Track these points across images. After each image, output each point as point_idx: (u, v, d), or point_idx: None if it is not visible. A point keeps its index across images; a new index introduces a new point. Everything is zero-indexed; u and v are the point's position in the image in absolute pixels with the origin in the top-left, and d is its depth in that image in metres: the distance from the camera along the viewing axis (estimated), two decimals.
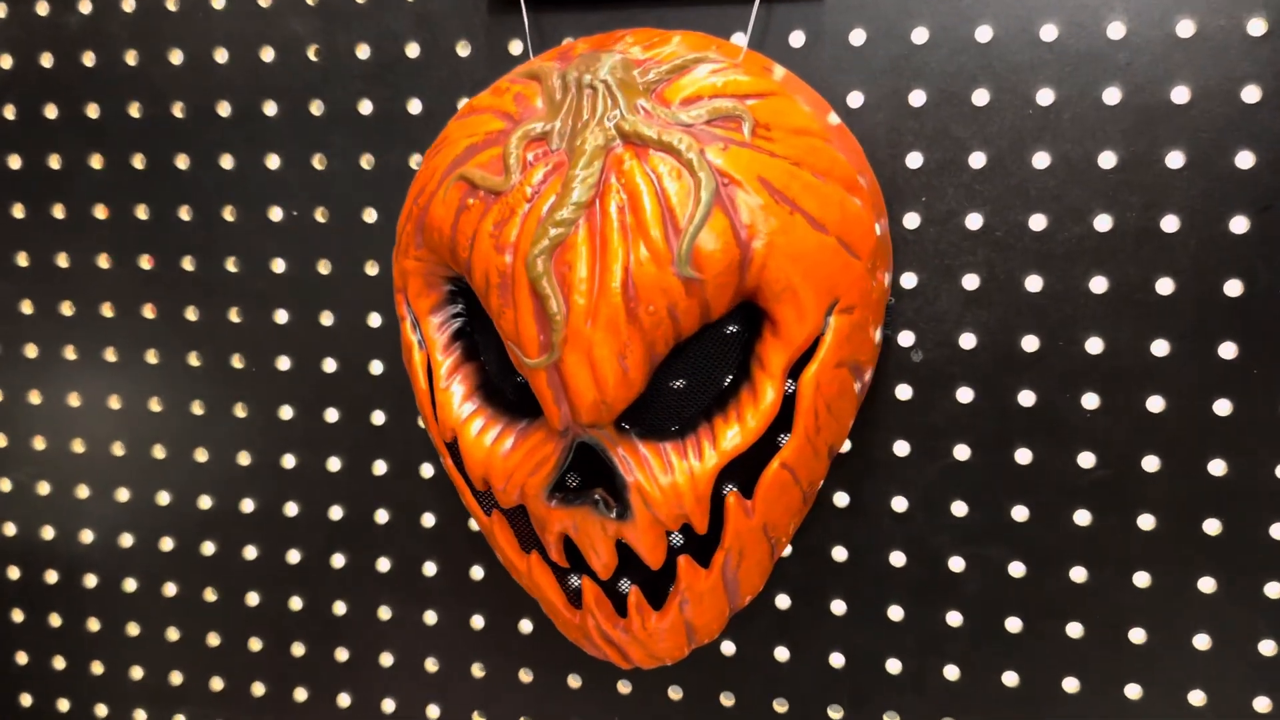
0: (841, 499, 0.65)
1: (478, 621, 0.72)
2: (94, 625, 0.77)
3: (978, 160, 0.60)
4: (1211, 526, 0.60)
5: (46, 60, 0.72)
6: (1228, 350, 0.58)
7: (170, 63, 0.70)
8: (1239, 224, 0.57)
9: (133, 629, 0.77)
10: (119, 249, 0.72)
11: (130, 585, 0.76)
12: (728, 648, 0.68)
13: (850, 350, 0.54)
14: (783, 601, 0.67)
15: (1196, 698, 0.61)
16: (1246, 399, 0.58)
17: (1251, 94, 0.56)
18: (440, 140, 0.57)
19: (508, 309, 0.51)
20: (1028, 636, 0.63)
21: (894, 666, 0.66)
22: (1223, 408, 0.59)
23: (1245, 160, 0.57)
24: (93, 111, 0.72)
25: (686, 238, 0.49)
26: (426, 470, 0.70)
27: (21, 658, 0.79)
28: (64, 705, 0.79)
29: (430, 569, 0.72)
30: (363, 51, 0.67)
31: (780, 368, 0.53)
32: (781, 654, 0.67)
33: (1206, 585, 0.61)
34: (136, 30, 0.70)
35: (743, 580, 0.58)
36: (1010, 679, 0.64)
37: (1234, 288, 0.58)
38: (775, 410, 0.53)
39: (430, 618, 0.72)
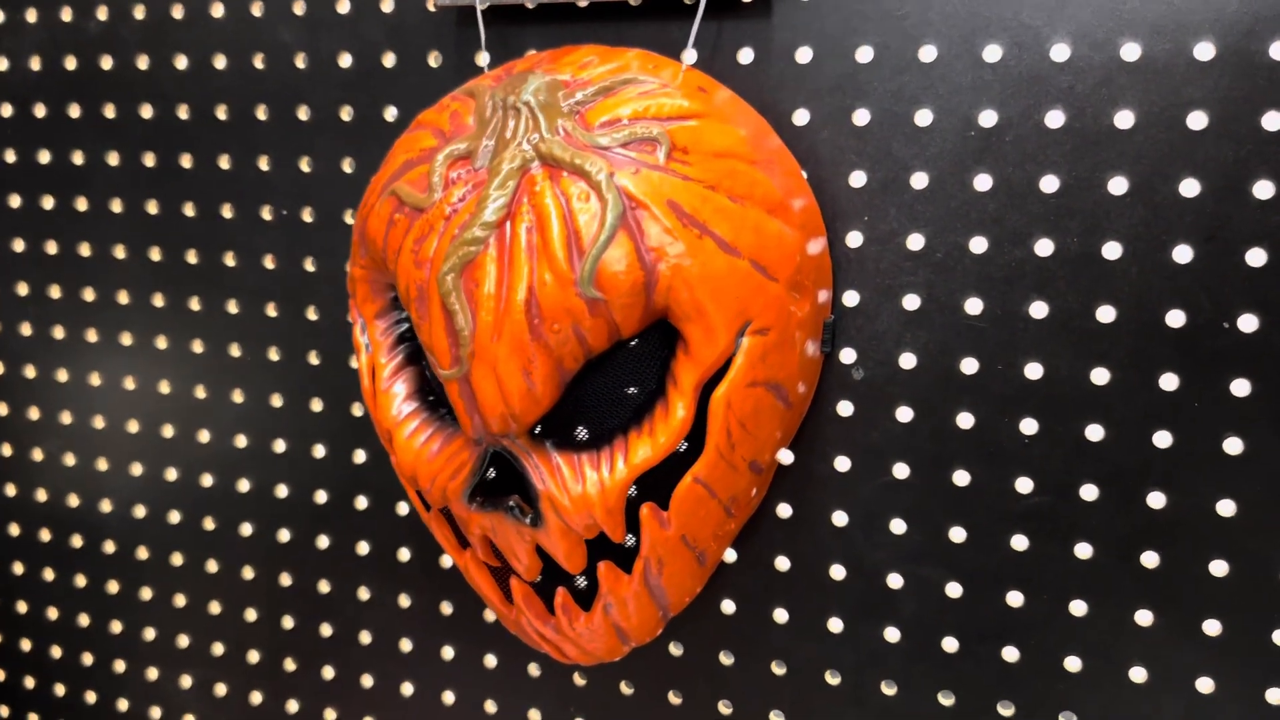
0: (785, 510, 0.65)
1: (447, 608, 0.75)
2: (113, 587, 0.83)
3: (920, 181, 0.59)
4: (1149, 560, 0.59)
5: (71, 63, 0.77)
6: (1169, 382, 0.57)
7: (176, 67, 0.74)
8: (1183, 253, 0.56)
9: (146, 593, 0.83)
10: (133, 241, 0.77)
11: (143, 553, 0.82)
12: (675, 649, 0.70)
13: (766, 370, 0.55)
14: (728, 607, 0.68)
15: None
16: (1187, 432, 0.57)
17: (1198, 120, 0.54)
18: (389, 154, 0.59)
19: (424, 321, 0.53)
20: (964, 658, 0.63)
21: (833, 678, 0.66)
22: (1163, 440, 0.58)
23: (1190, 188, 0.55)
24: (110, 111, 0.76)
25: (589, 259, 0.50)
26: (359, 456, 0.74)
27: (52, 613, 0.85)
28: (88, 659, 0.86)
29: (405, 554, 0.75)
30: (344, 60, 0.70)
31: (691, 385, 0.54)
32: (726, 658, 0.69)
33: (1144, 618, 0.60)
34: (147, 36, 0.74)
35: (669, 587, 0.60)
36: (946, 699, 0.64)
37: (1176, 318, 0.56)
38: (686, 427, 0.54)
39: (404, 601, 0.76)
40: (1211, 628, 0.58)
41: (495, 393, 0.52)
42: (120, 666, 0.85)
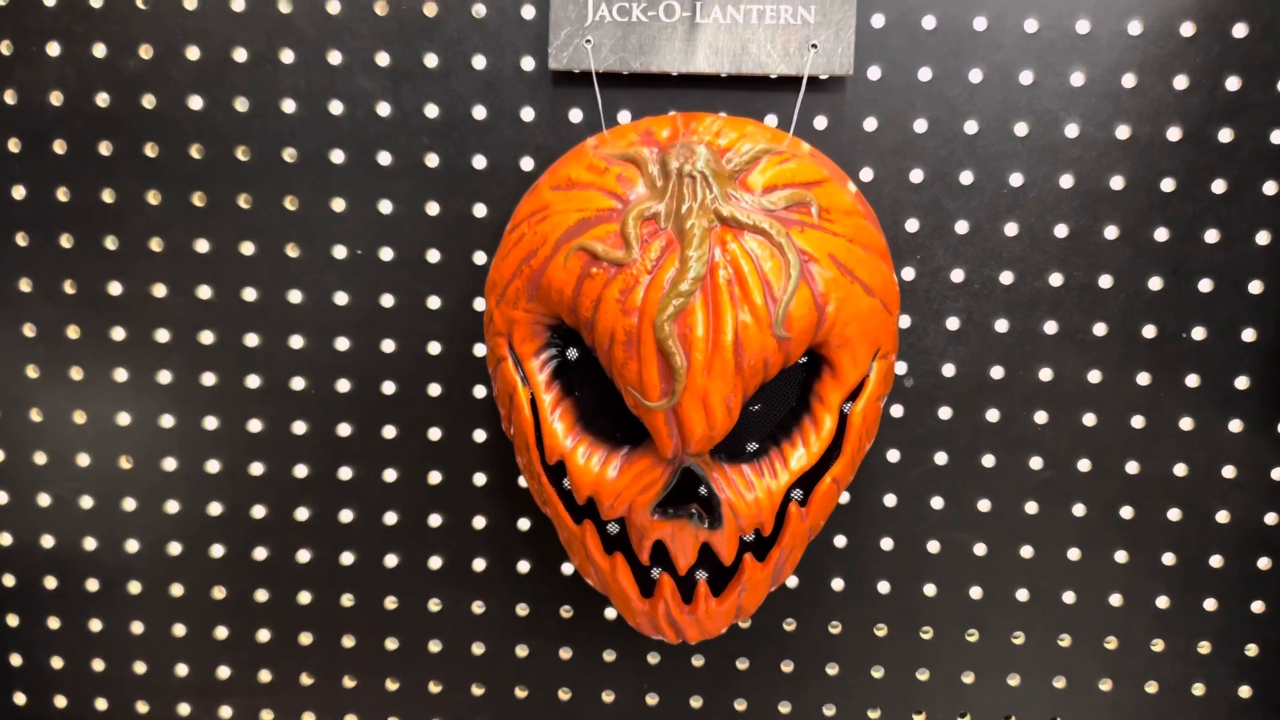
0: (844, 497, 0.79)
1: (478, 606, 0.82)
2: (95, 625, 0.83)
3: (962, 227, 0.75)
4: (1126, 512, 0.78)
5: (103, 100, 0.76)
6: (1143, 379, 0.76)
7: (235, 109, 0.76)
8: (1155, 283, 0.75)
9: (137, 627, 0.83)
10: (176, 279, 0.78)
11: (135, 588, 0.83)
12: (744, 621, 0.82)
13: (885, 387, 0.68)
14: (791, 581, 0.81)
15: (1111, 643, 0.80)
16: (1156, 416, 0.76)
17: (1169, 184, 0.73)
18: (542, 208, 0.66)
19: (631, 361, 0.62)
20: (987, 602, 0.80)
21: (880, 631, 0.81)
22: (1138, 422, 0.77)
23: (1162, 235, 0.74)
24: (151, 150, 0.76)
25: (782, 305, 0.61)
26: (435, 477, 0.80)
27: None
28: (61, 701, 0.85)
29: (435, 563, 0.81)
30: (430, 111, 0.75)
31: (837, 403, 0.66)
32: (789, 625, 0.81)
33: (1120, 557, 0.79)
34: (200, 77, 0.75)
35: (786, 568, 0.71)
36: (971, 636, 0.81)
37: (1149, 331, 0.75)
38: (832, 436, 0.66)
39: (434, 604, 0.82)
40: (1169, 559, 0.78)
41: (702, 419, 0.62)
42: (144, 708, 0.85)
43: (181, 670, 0.83)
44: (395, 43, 0.74)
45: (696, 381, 0.61)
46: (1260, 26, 0.71)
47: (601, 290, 0.62)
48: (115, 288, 0.78)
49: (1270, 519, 0.78)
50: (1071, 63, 0.72)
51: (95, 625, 0.83)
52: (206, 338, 0.78)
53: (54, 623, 0.83)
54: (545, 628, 0.82)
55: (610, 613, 0.82)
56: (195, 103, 0.75)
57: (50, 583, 0.82)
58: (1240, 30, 0.72)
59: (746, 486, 0.66)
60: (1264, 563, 0.78)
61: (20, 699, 0.84)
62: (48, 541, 0.82)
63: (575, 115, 0.75)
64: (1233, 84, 0.72)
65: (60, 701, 0.84)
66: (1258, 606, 0.79)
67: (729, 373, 0.61)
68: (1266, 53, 0.72)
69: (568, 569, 0.81)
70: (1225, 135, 0.73)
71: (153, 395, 0.79)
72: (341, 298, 0.77)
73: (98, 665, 0.84)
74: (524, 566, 0.81)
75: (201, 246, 0.77)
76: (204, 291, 0.78)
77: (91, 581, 0.82)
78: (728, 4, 0.71)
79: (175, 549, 0.82)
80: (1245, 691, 0.80)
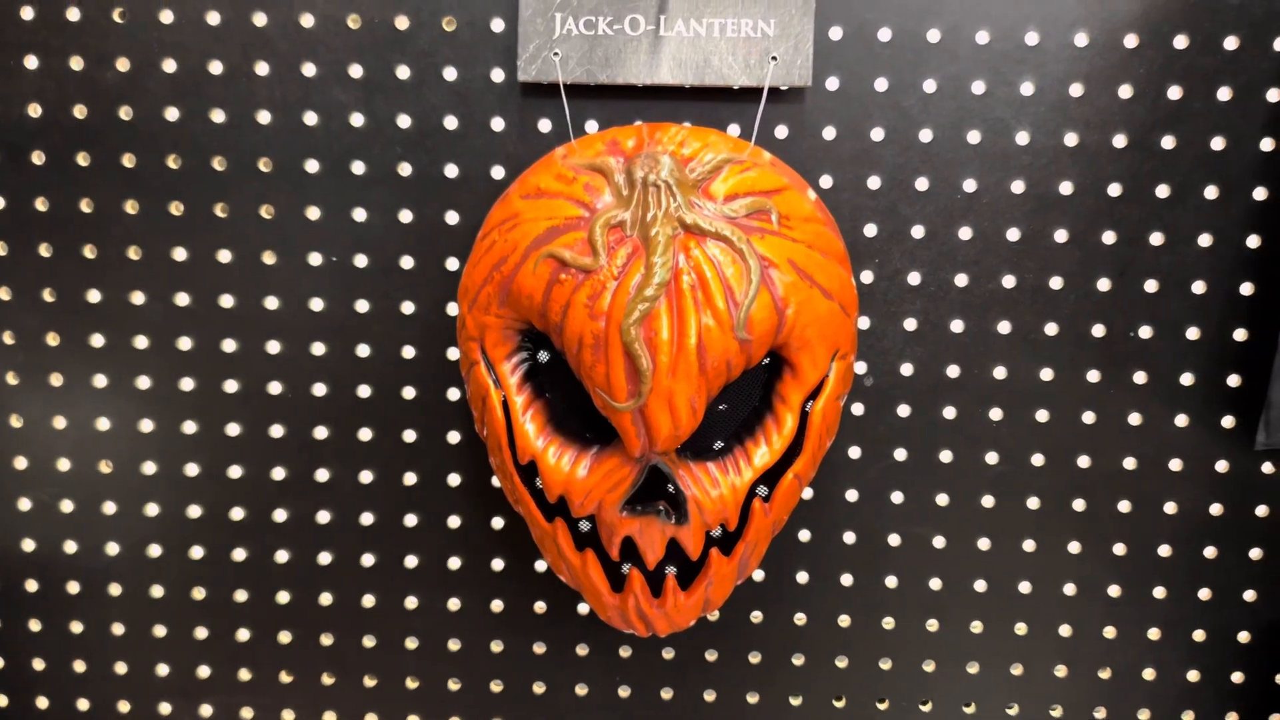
0: (807, 492, 0.82)
1: (454, 603, 0.84)
2: (76, 627, 0.85)
3: (918, 232, 0.77)
4: (1078, 505, 0.81)
5: (80, 112, 0.77)
6: (1093, 376, 0.79)
7: (211, 120, 0.77)
8: (1104, 284, 0.78)
9: (117, 628, 0.85)
10: (154, 286, 0.79)
11: (115, 590, 0.84)
12: (712, 615, 0.84)
13: (844, 386, 0.71)
14: (758, 574, 0.83)
15: (1065, 631, 0.83)
16: (1105, 412, 0.79)
17: (1115, 189, 0.76)
18: (512, 216, 0.69)
19: (599, 364, 0.64)
20: (946, 594, 0.83)
21: (844, 621, 0.84)
22: (1089, 418, 0.80)
23: (1109, 238, 0.77)
24: (129, 161, 0.78)
25: (744, 309, 0.64)
26: (410, 478, 0.82)
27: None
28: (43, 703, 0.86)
29: (411, 562, 0.83)
30: (403, 121, 0.77)
31: (798, 403, 0.69)
32: (756, 616, 0.84)
33: (1074, 548, 0.82)
34: (176, 89, 0.77)
35: (751, 562, 0.74)
36: (932, 626, 0.84)
37: (1099, 330, 0.78)
38: (794, 434, 0.69)
39: (411, 602, 0.84)
40: (1119, 549, 0.82)
41: (668, 419, 0.64)
42: (125, 707, 0.86)
43: (162, 670, 0.85)
44: (368, 55, 0.76)
45: (662, 383, 0.64)
46: (1200, 38, 0.75)
47: (570, 296, 0.65)
48: (94, 295, 0.79)
49: (1216, 510, 0.81)
50: (1022, 73, 0.75)
51: (76, 627, 0.84)
52: (184, 344, 0.80)
53: (35, 625, 0.84)
54: (519, 623, 0.84)
55: (583, 608, 0.84)
56: (172, 114, 0.77)
57: (31, 586, 0.84)
58: (1181, 42, 0.75)
59: (712, 484, 0.68)
60: (1210, 552, 0.81)
61: (2, 700, 0.86)
62: (28, 545, 0.83)
63: (544, 125, 0.77)
64: (1174, 93, 0.75)
65: (42, 703, 0.86)
66: (1205, 594, 0.82)
67: (693, 374, 0.64)
68: (1206, 63, 0.75)
69: (541, 566, 0.83)
70: (1168, 142, 0.76)
71: (132, 400, 0.81)
72: (317, 304, 0.79)
73: (79, 666, 0.85)
74: (498, 564, 0.84)
75: (179, 254, 0.79)
76: (182, 298, 0.79)
77: (72, 584, 0.84)
78: (690, 18, 0.73)
79: (155, 551, 0.83)
80: (1194, 676, 0.84)
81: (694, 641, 0.84)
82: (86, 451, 0.82)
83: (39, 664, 0.85)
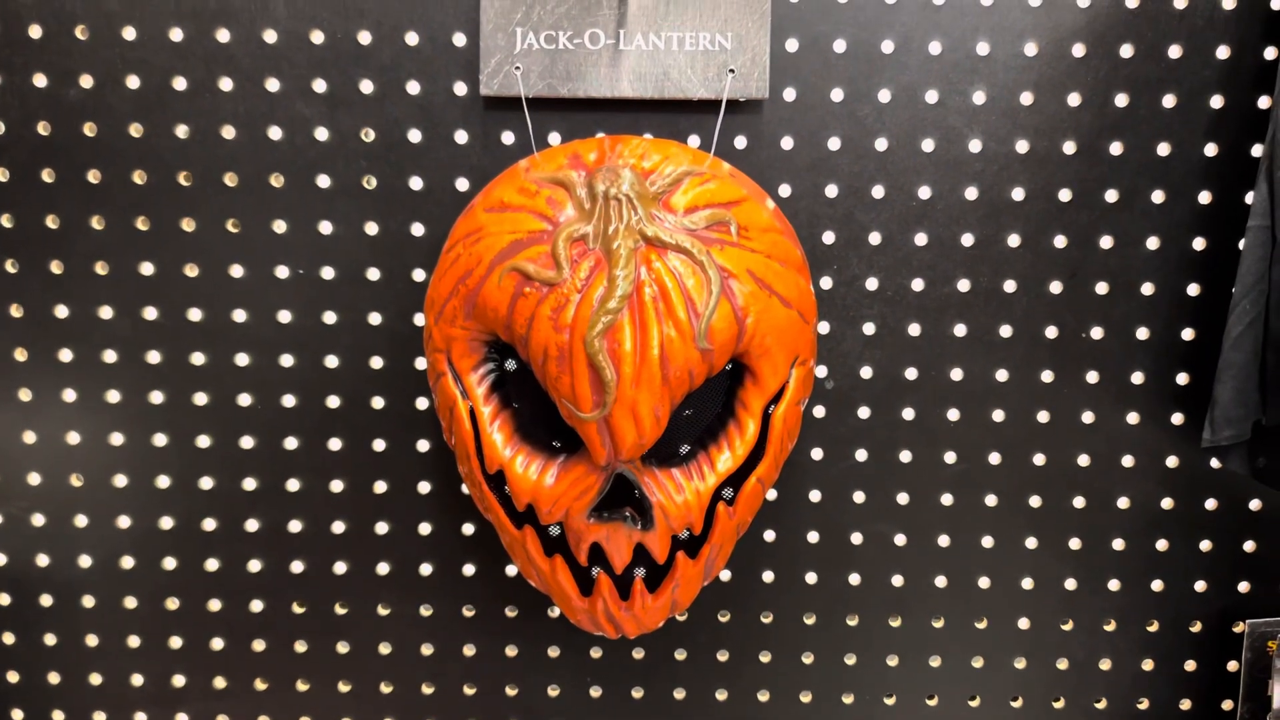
0: (771, 494, 0.83)
1: (426, 609, 0.85)
2: (50, 640, 0.85)
3: (875, 238, 0.79)
4: (1034, 501, 0.83)
5: (44, 128, 0.78)
6: (1047, 376, 0.81)
7: (175, 136, 0.78)
8: (1055, 287, 0.80)
9: (91, 640, 0.86)
10: (122, 301, 0.80)
11: (89, 601, 0.85)
12: (679, 615, 0.86)
13: (804, 391, 0.72)
14: (724, 575, 0.85)
15: (1024, 624, 0.85)
16: (1059, 410, 0.82)
17: (1065, 195, 0.78)
18: (476, 229, 0.70)
19: (564, 375, 0.66)
20: (908, 590, 0.85)
21: (809, 619, 0.86)
22: (1043, 417, 0.82)
23: (1060, 242, 0.79)
24: (94, 177, 0.78)
25: (704, 320, 0.65)
26: (380, 486, 0.84)
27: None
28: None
29: (383, 569, 0.85)
30: (367, 135, 0.78)
31: (759, 409, 0.70)
32: (723, 616, 0.86)
33: (1031, 543, 0.84)
34: (140, 105, 0.77)
35: (717, 564, 0.76)
36: (894, 621, 0.86)
37: (1051, 331, 0.81)
38: (756, 439, 0.71)
39: (383, 609, 0.86)
40: (1075, 543, 0.84)
41: (632, 428, 0.66)
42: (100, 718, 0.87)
43: (137, 680, 0.86)
44: (331, 70, 0.77)
45: (626, 393, 0.65)
46: (1145, 47, 0.77)
47: (534, 309, 0.66)
48: (62, 310, 0.80)
49: (1166, 504, 0.83)
50: (973, 82, 0.77)
51: (50, 639, 0.85)
52: (153, 357, 0.81)
53: (9, 639, 0.85)
54: (491, 628, 0.86)
55: (553, 611, 0.86)
56: (136, 130, 0.78)
57: (3, 600, 0.84)
58: (1127, 50, 0.77)
59: (676, 489, 0.70)
60: (1162, 544, 0.84)
61: None
62: (0, 560, 0.84)
63: (507, 138, 0.78)
64: (1121, 100, 0.77)
65: (17, 715, 0.86)
66: (1157, 585, 0.85)
67: (656, 384, 0.65)
68: (1151, 71, 0.77)
69: (511, 571, 0.85)
70: (1116, 148, 0.78)
71: (102, 414, 0.81)
72: (285, 316, 0.80)
73: (54, 678, 0.86)
74: (469, 570, 0.85)
75: (146, 269, 0.79)
76: (150, 313, 0.80)
77: (45, 597, 0.84)
78: (650, 32, 0.75)
79: (128, 563, 0.84)
80: (1148, 665, 0.86)
81: (663, 641, 0.86)
82: (57, 465, 0.82)
83: (13, 677, 0.85)
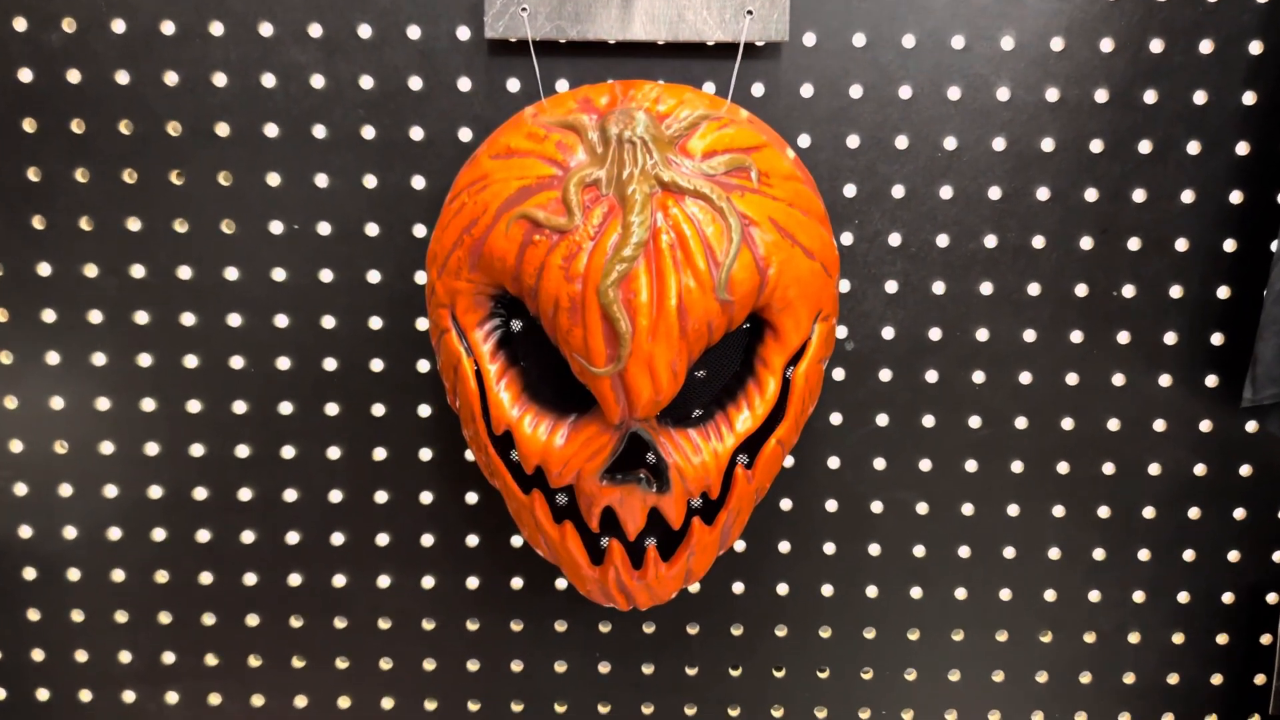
0: (788, 460, 0.80)
1: (428, 581, 0.82)
2: (34, 615, 0.82)
3: (898, 191, 0.76)
4: (1062, 468, 0.80)
5: (25, 75, 0.74)
6: (1076, 336, 0.78)
7: (164, 83, 0.74)
8: (1086, 242, 0.76)
9: (77, 615, 0.82)
10: (108, 258, 0.76)
11: (74, 575, 0.81)
12: (692, 586, 0.82)
13: (826, 349, 0.69)
14: (739, 545, 0.82)
15: (1050, 595, 0.82)
16: (1088, 372, 0.78)
17: (1097, 146, 0.75)
18: (481, 177, 0.66)
19: (576, 328, 0.62)
20: (929, 560, 0.82)
21: (827, 590, 0.82)
22: (1072, 379, 0.78)
23: (1091, 195, 0.76)
24: (78, 127, 0.75)
25: (725, 269, 0.62)
26: (379, 453, 0.80)
27: None
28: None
29: (383, 540, 0.81)
30: (365, 82, 0.74)
31: (780, 366, 0.67)
32: (737, 588, 0.82)
33: (1058, 511, 0.81)
34: (127, 50, 0.74)
35: (734, 531, 0.72)
36: (916, 593, 0.82)
37: (1081, 290, 0.77)
38: (776, 399, 0.67)
39: (383, 581, 0.82)
40: (1104, 512, 0.81)
41: (648, 384, 0.62)
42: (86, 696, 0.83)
43: (125, 657, 0.82)
44: (327, 13, 0.73)
45: (642, 347, 0.61)
46: None
47: (544, 257, 0.62)
48: (44, 268, 0.76)
49: (1199, 470, 0.80)
50: (1001, 27, 0.74)
51: (34, 615, 0.81)
52: (141, 317, 0.77)
53: None
54: (496, 600, 0.82)
55: (561, 583, 0.82)
56: (123, 77, 0.74)
57: None
58: None
59: (693, 450, 0.66)
60: (1194, 513, 0.81)
61: None
62: None
63: (513, 85, 0.74)
64: (1156, 46, 0.74)
65: None
66: (1189, 555, 0.81)
67: (674, 337, 0.62)
68: (1188, 15, 0.73)
69: (517, 541, 0.81)
70: (1150, 97, 0.75)
71: (87, 378, 0.78)
72: (279, 274, 0.76)
73: (37, 655, 0.82)
74: (473, 540, 0.81)
75: (133, 225, 0.76)
76: (137, 270, 0.76)
77: (29, 570, 0.81)
78: None
79: (115, 534, 0.80)
80: (1179, 638, 0.83)
81: (675, 615, 0.83)
82: (40, 432, 0.78)
83: None
